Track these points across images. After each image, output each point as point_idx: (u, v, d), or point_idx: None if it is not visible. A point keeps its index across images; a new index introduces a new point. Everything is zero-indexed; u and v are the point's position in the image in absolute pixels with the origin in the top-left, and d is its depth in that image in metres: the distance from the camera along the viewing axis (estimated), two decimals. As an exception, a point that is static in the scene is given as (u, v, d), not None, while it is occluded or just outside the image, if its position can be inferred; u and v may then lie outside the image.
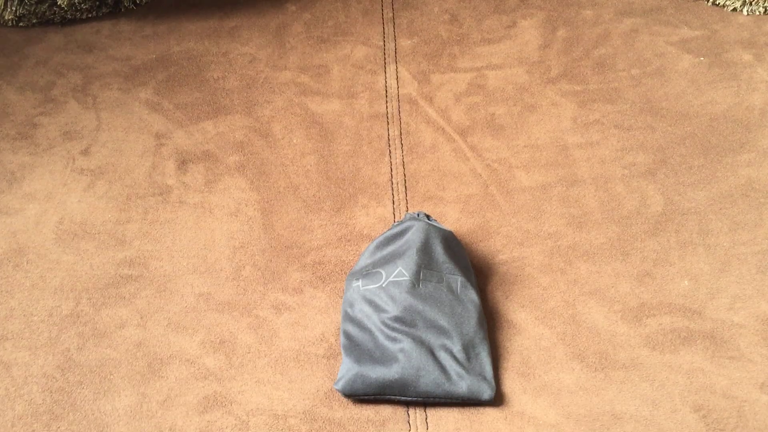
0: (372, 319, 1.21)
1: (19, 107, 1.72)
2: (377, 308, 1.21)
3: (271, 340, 1.26)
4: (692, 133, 1.58)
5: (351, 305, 1.25)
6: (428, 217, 1.33)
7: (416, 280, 1.23)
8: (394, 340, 1.18)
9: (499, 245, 1.39)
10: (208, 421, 1.16)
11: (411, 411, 1.17)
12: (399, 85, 1.74)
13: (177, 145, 1.61)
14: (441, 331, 1.20)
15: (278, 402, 1.18)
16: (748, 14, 1.85)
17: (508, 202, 1.47)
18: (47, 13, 1.91)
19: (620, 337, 1.24)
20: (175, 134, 1.64)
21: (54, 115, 1.70)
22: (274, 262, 1.38)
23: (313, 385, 1.20)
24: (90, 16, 1.95)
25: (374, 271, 1.26)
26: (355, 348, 1.20)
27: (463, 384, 1.15)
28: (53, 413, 1.17)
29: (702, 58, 1.75)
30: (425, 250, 1.26)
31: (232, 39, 1.89)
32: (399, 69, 1.78)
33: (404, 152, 1.58)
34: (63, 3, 1.88)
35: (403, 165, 1.55)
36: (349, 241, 1.41)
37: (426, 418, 1.16)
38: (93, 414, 1.17)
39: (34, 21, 1.93)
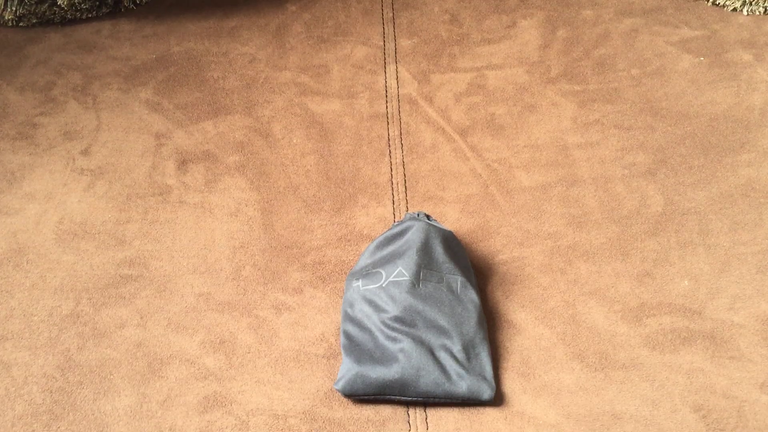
0: (372, 319, 1.21)
1: (19, 107, 1.72)
2: (377, 308, 1.21)
3: (271, 340, 1.26)
4: (692, 133, 1.58)
5: (351, 305, 1.25)
6: (428, 217, 1.33)
7: (416, 280, 1.23)
8: (394, 340, 1.18)
9: (499, 245, 1.39)
10: (208, 421, 1.16)
11: (411, 411, 1.17)
12: (399, 85, 1.74)
13: (177, 145, 1.61)
14: (441, 331, 1.19)
15: (278, 402, 1.18)
16: (748, 14, 1.85)
17: (508, 202, 1.47)
18: (47, 13, 1.91)
19: (620, 337, 1.24)
20: (175, 134, 1.64)
21: (54, 115, 1.70)
22: (274, 262, 1.38)
23: (313, 385, 1.20)
24: (90, 16, 1.95)
25: (374, 271, 1.26)
26: (355, 348, 1.20)
27: (463, 384, 1.15)
28: (53, 413, 1.17)
29: (702, 58, 1.75)
30: (425, 250, 1.26)
31: (232, 39, 1.89)
32: (399, 69, 1.78)
33: (404, 152, 1.58)
34: (63, 3, 1.88)
35: (403, 165, 1.55)
36: (349, 241, 1.41)
37: (426, 418, 1.16)
38: (93, 414, 1.17)
39: (34, 21, 1.93)
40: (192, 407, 1.18)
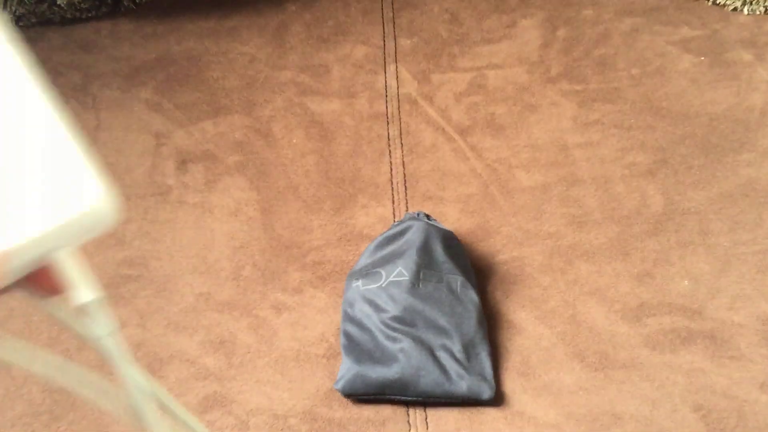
0: (372, 319, 1.21)
1: (18, 107, 1.72)
2: (377, 308, 1.21)
3: (271, 340, 1.26)
4: (692, 133, 1.58)
5: (351, 305, 1.25)
6: (428, 216, 1.33)
7: (416, 280, 1.23)
8: (394, 339, 1.18)
9: (499, 245, 1.39)
10: (208, 421, 1.16)
11: (411, 411, 1.17)
12: (399, 84, 1.74)
13: (177, 145, 1.61)
14: (441, 330, 1.19)
15: (278, 402, 1.18)
16: (748, 14, 1.85)
17: (508, 202, 1.47)
18: (47, 13, 1.91)
19: (620, 337, 1.24)
20: (174, 134, 1.64)
21: (54, 114, 1.70)
22: (274, 262, 1.38)
23: (313, 385, 1.20)
24: (90, 15, 1.95)
25: (374, 271, 1.26)
26: (355, 348, 1.20)
27: (463, 384, 1.15)
28: (53, 413, 1.17)
29: (702, 58, 1.75)
30: (425, 249, 1.26)
31: (232, 39, 1.89)
32: (399, 69, 1.78)
33: (404, 152, 1.58)
34: (63, 3, 1.88)
35: (403, 165, 1.55)
36: (349, 241, 1.41)
37: (426, 418, 1.15)
38: (93, 414, 1.17)
39: (34, 21, 1.92)
40: (192, 407, 1.17)
